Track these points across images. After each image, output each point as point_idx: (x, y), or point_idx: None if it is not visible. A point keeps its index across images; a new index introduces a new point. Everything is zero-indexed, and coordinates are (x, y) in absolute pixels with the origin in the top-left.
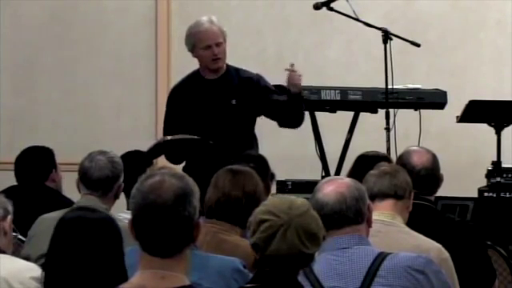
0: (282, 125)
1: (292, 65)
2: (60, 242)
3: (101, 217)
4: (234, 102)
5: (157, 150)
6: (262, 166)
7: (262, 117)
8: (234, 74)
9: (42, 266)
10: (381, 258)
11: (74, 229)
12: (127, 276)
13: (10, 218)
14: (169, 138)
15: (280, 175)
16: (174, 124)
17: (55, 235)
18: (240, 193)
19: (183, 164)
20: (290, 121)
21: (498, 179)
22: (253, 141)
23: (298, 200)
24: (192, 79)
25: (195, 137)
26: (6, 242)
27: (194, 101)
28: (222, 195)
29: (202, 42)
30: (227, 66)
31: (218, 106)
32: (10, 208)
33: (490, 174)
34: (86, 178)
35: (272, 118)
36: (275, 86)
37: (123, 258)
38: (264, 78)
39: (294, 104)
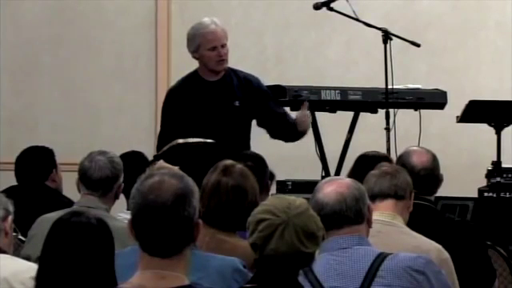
0: (273, 136)
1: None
2: (51, 245)
3: (94, 223)
4: (237, 103)
5: (170, 153)
6: (259, 164)
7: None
8: (233, 75)
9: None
10: (381, 258)
11: (67, 233)
12: (116, 281)
13: (10, 218)
14: (180, 141)
15: (280, 175)
16: (174, 127)
17: (48, 238)
18: (238, 205)
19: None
20: (283, 136)
21: (498, 179)
22: (249, 141)
23: (297, 200)
24: (191, 81)
25: (208, 140)
26: (7, 242)
27: (196, 103)
28: (218, 205)
29: (209, 43)
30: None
31: (222, 108)
32: (11, 208)
33: (490, 174)
34: (86, 178)
35: (264, 128)
36: (273, 86)
37: (113, 263)
38: (263, 85)
39: (295, 133)
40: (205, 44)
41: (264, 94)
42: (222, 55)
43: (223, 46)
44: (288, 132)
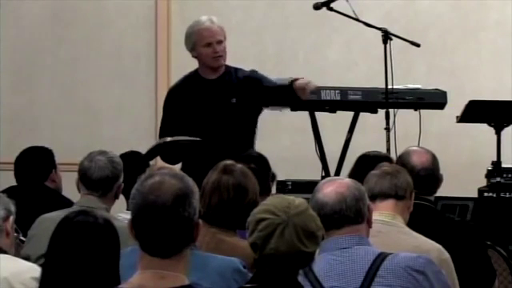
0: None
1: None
2: (58, 243)
3: (101, 222)
4: (234, 100)
5: (156, 151)
6: (262, 166)
7: (265, 111)
8: (233, 73)
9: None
10: (381, 258)
11: (73, 232)
12: (120, 281)
13: (12, 218)
14: (168, 139)
15: (280, 175)
16: (174, 125)
17: (54, 236)
18: (240, 202)
19: (182, 163)
20: (286, 102)
21: (498, 179)
22: (253, 139)
23: (297, 199)
24: (191, 80)
25: (196, 139)
26: (8, 243)
27: (194, 101)
28: (219, 203)
29: (203, 40)
30: (226, 65)
31: (219, 106)
32: (13, 208)
33: (490, 174)
34: (86, 178)
35: (269, 105)
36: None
37: (118, 263)
38: (253, 71)
39: (288, 95)
40: (200, 40)
41: (256, 78)
42: (218, 51)
43: (219, 42)
44: (286, 97)
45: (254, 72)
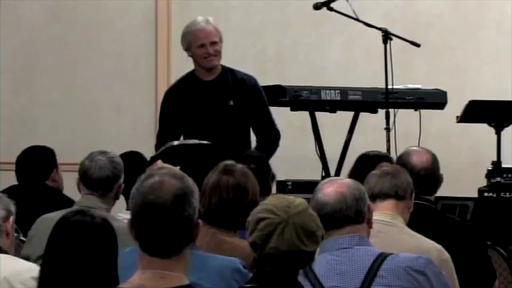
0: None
1: None
2: (55, 243)
3: (98, 222)
4: (231, 102)
5: (162, 155)
6: (262, 166)
7: None
8: (229, 74)
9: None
10: (381, 258)
11: (71, 231)
12: (118, 281)
13: (12, 218)
14: (175, 143)
15: (280, 175)
16: (171, 127)
17: (52, 236)
18: (240, 202)
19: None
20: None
21: (498, 179)
22: (249, 142)
23: (297, 199)
24: (187, 81)
25: (203, 142)
26: (9, 243)
27: (191, 102)
28: (219, 203)
29: (198, 40)
30: (222, 66)
31: (216, 108)
32: (13, 208)
33: (490, 174)
34: (87, 178)
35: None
36: (273, 86)
37: (116, 263)
38: (260, 87)
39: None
40: (195, 41)
41: (257, 98)
42: (211, 52)
43: (213, 43)
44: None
45: (255, 85)
